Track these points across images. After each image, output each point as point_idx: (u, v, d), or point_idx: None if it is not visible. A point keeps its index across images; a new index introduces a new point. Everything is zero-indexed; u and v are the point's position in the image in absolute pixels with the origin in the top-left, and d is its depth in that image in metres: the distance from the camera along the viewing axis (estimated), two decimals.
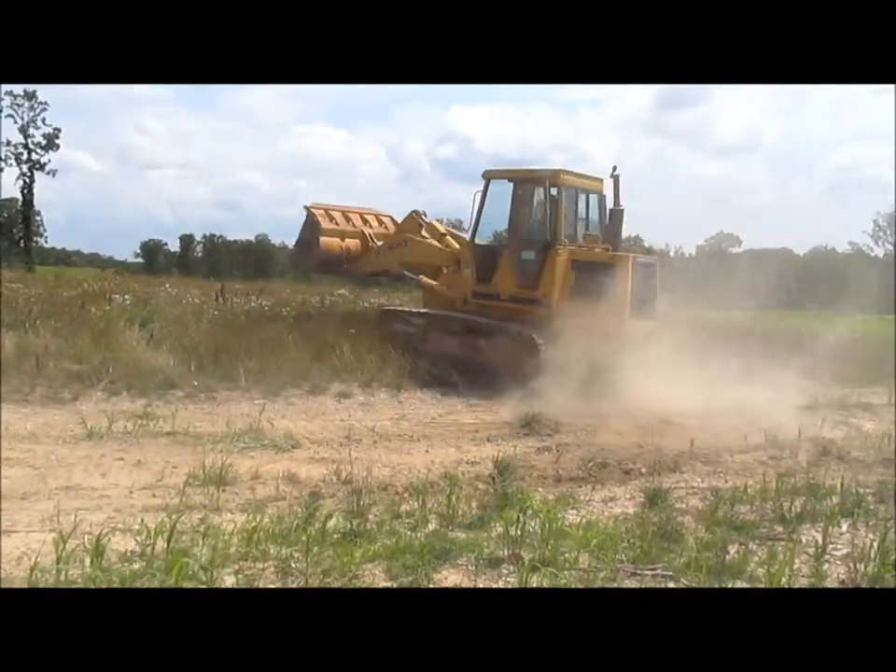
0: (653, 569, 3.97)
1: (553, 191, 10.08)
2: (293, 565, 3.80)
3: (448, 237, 11.51)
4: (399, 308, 11.66)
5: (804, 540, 4.60)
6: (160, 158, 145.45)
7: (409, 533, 4.37)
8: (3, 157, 60.20)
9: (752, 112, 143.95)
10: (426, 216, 11.73)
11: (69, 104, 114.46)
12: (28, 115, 61.46)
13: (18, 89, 60.76)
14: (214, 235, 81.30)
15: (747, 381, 9.83)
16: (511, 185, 10.45)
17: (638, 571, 3.93)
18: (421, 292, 12.29)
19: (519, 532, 4.21)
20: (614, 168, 9.95)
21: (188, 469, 5.45)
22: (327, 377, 8.77)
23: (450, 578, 3.85)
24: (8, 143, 60.22)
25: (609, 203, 10.32)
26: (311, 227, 12.39)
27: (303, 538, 3.99)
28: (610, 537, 4.24)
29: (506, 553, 4.12)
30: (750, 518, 4.96)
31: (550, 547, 4.06)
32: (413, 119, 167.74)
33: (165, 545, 3.71)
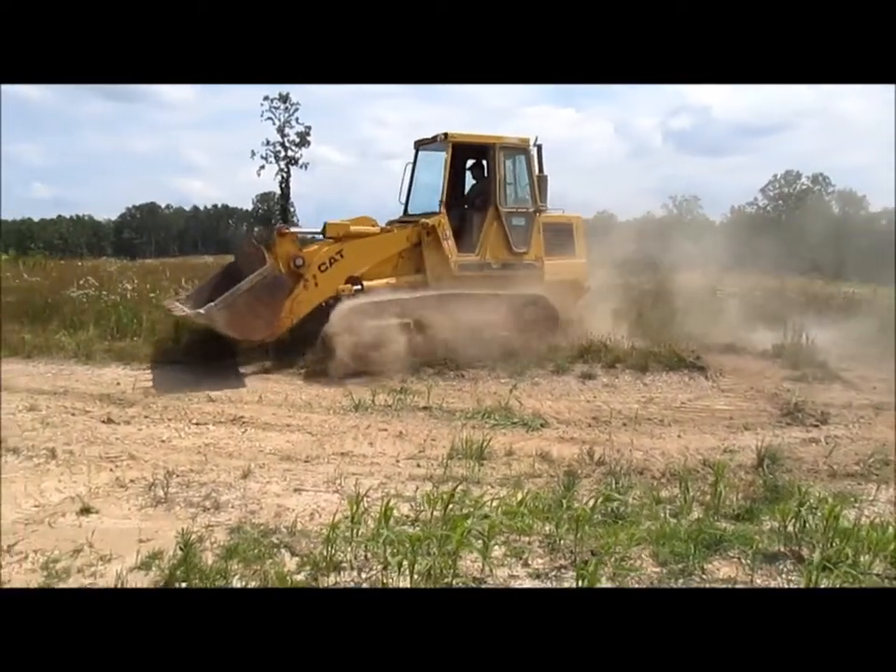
0: None
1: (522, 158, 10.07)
2: (560, 541, 3.84)
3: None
4: (363, 301, 8.65)
5: None
6: (395, 148, 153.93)
7: (672, 519, 4.23)
8: (264, 155, 67.60)
9: None
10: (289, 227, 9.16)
11: (316, 102, 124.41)
12: (284, 116, 68.40)
13: (274, 93, 67.64)
14: None
15: None
16: (483, 151, 9.96)
17: None
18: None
19: (798, 528, 3.91)
20: (536, 138, 10.06)
21: (445, 442, 5.73)
22: (570, 358, 8.74)
23: (722, 570, 3.68)
24: (268, 142, 67.49)
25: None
26: (274, 287, 8.08)
27: (565, 515, 4.01)
28: None
29: (782, 549, 3.85)
30: None
31: (834, 547, 3.73)
32: (640, 92, 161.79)
33: (440, 513, 3.92)
